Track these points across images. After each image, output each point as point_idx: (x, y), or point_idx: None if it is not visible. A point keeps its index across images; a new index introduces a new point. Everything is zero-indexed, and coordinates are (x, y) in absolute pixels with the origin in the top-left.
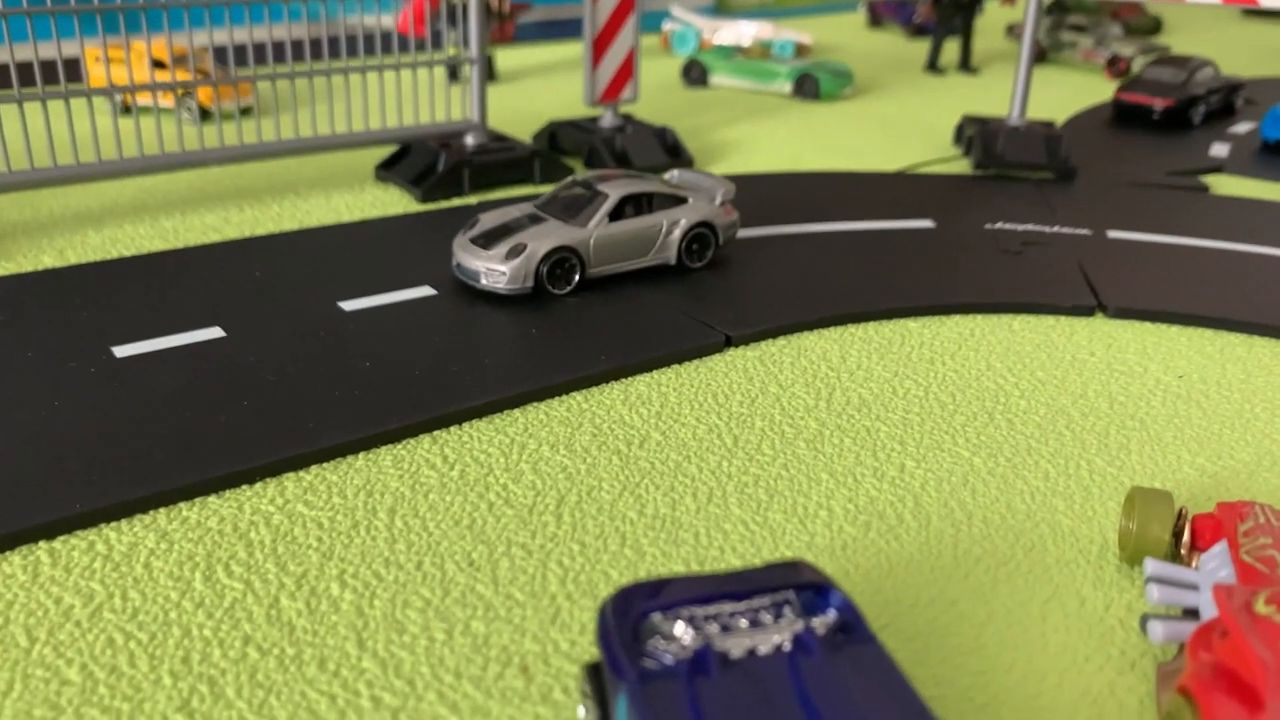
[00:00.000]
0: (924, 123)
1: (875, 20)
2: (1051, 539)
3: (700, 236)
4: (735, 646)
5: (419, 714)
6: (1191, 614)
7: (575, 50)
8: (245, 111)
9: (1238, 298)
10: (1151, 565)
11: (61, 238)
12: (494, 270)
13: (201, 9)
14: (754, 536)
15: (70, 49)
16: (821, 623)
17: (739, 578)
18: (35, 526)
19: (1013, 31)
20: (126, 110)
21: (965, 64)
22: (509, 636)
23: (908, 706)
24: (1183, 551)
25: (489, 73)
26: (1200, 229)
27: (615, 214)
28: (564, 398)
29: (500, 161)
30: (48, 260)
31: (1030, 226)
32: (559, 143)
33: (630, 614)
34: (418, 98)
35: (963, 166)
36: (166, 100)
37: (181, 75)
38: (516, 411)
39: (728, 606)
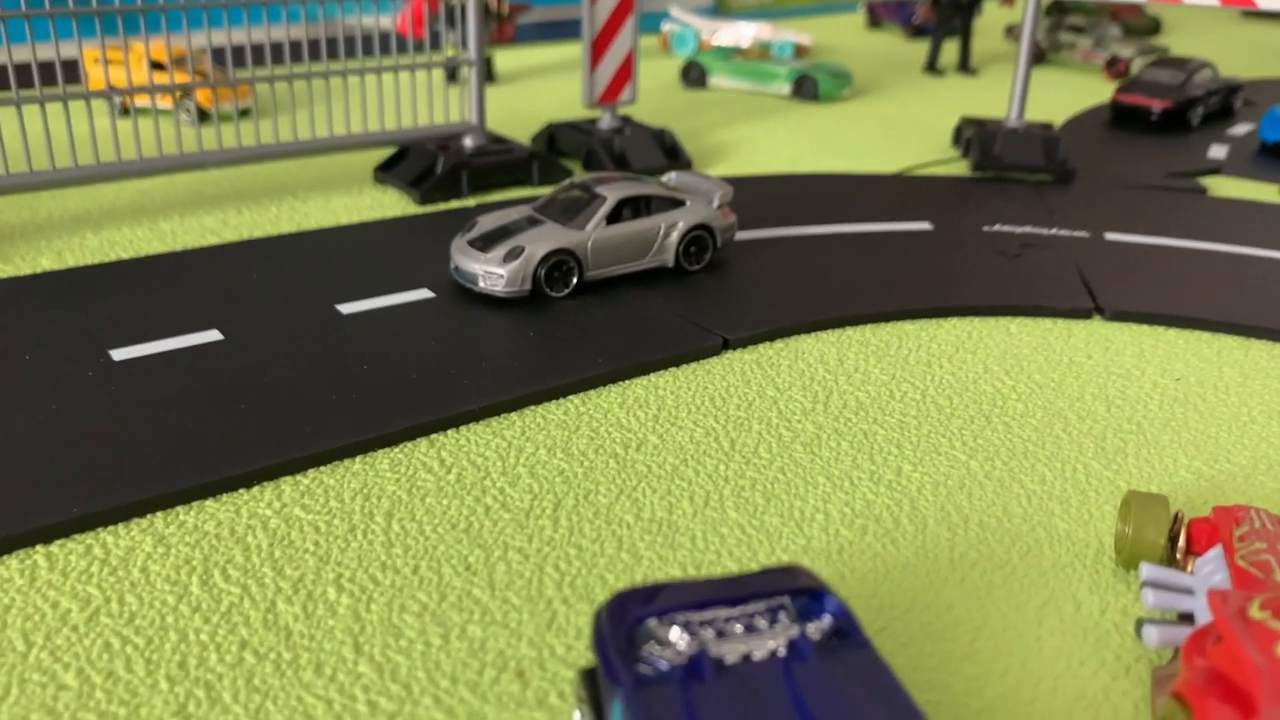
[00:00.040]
0: (923, 124)
1: (874, 21)
2: (1047, 543)
3: (698, 239)
4: (730, 652)
5: (415, 719)
6: (1187, 619)
7: (574, 51)
8: (244, 113)
9: (1235, 300)
10: (1147, 570)
11: (59, 240)
12: (492, 273)
13: (199, 10)
14: (751, 540)
15: (68, 50)
16: (816, 628)
17: (734, 583)
18: (32, 530)
19: (1011, 32)
20: (125, 112)
21: (964, 65)
22: (505, 641)
23: (902, 712)
24: (1178, 556)
25: (488, 74)
26: (1198, 231)
27: (613, 216)
28: (561, 400)
29: (499, 163)
30: (46, 263)
31: (1028, 229)
32: (557, 144)
33: (625, 619)
34: (416, 100)
35: (961, 168)
36: (165, 102)
37: (180, 77)
38: (514, 414)
39: (723, 612)
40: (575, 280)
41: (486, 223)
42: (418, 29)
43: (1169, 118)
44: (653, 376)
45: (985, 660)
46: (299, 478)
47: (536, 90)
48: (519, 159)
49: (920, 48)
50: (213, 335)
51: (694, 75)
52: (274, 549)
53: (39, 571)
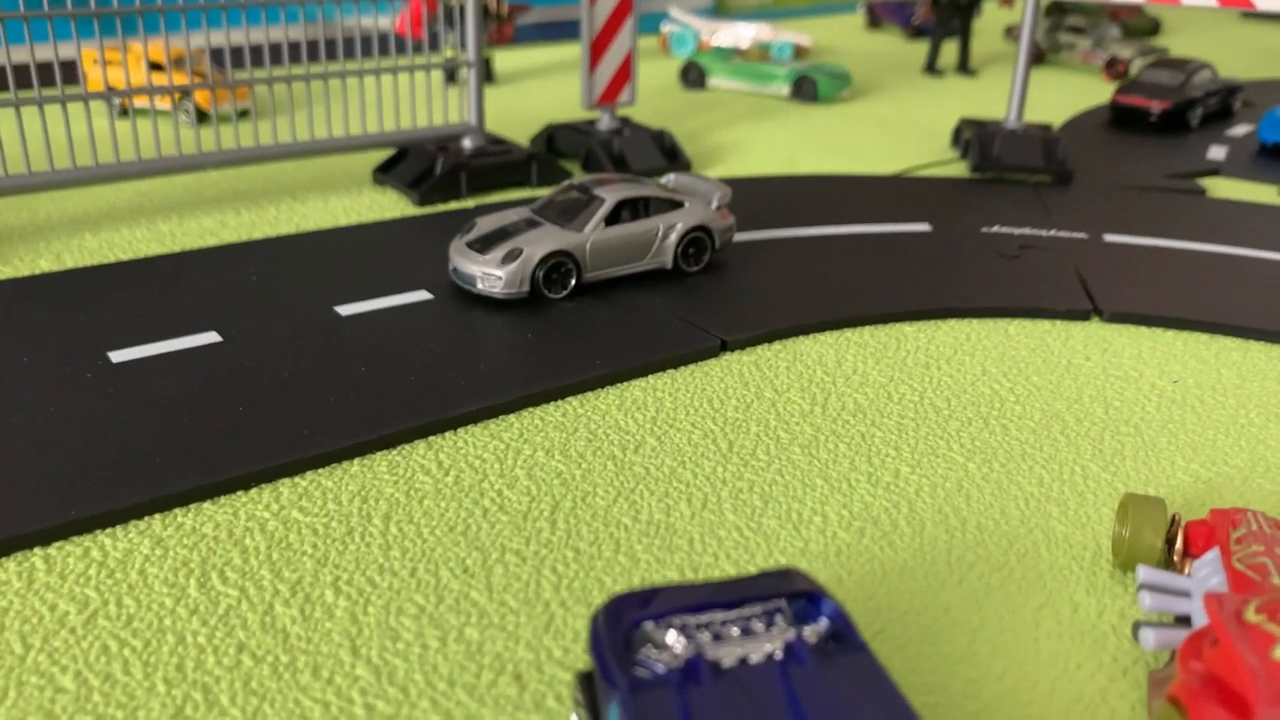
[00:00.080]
0: (922, 125)
1: (874, 22)
2: (1045, 545)
3: (696, 240)
4: (727, 655)
5: None
6: (1183, 621)
7: (573, 52)
8: (242, 115)
9: (1234, 302)
10: (1144, 572)
11: (58, 241)
12: (490, 274)
13: (198, 12)
14: (748, 542)
15: (67, 51)
16: (813, 631)
17: (731, 586)
18: (30, 533)
19: (1011, 33)
20: (124, 113)
21: (963, 66)
22: (503, 644)
23: (899, 714)
24: (1175, 558)
25: (487, 75)
26: (1197, 233)
27: (611, 218)
28: (560, 403)
29: (497, 164)
30: (44, 264)
31: (1027, 230)
32: (556, 145)
33: (622, 622)
34: (415, 101)
35: (960, 169)
36: (164, 103)
37: (179, 78)
38: (512, 416)
39: (720, 615)
40: (574, 282)
41: (485, 224)
42: (416, 30)
43: (1168, 119)
44: (651, 378)
45: (982, 662)
46: (297, 480)
47: (535, 91)
48: (518, 160)
49: (919, 49)
50: (211, 337)
51: (693, 76)
52: (272, 551)
53: (37, 574)
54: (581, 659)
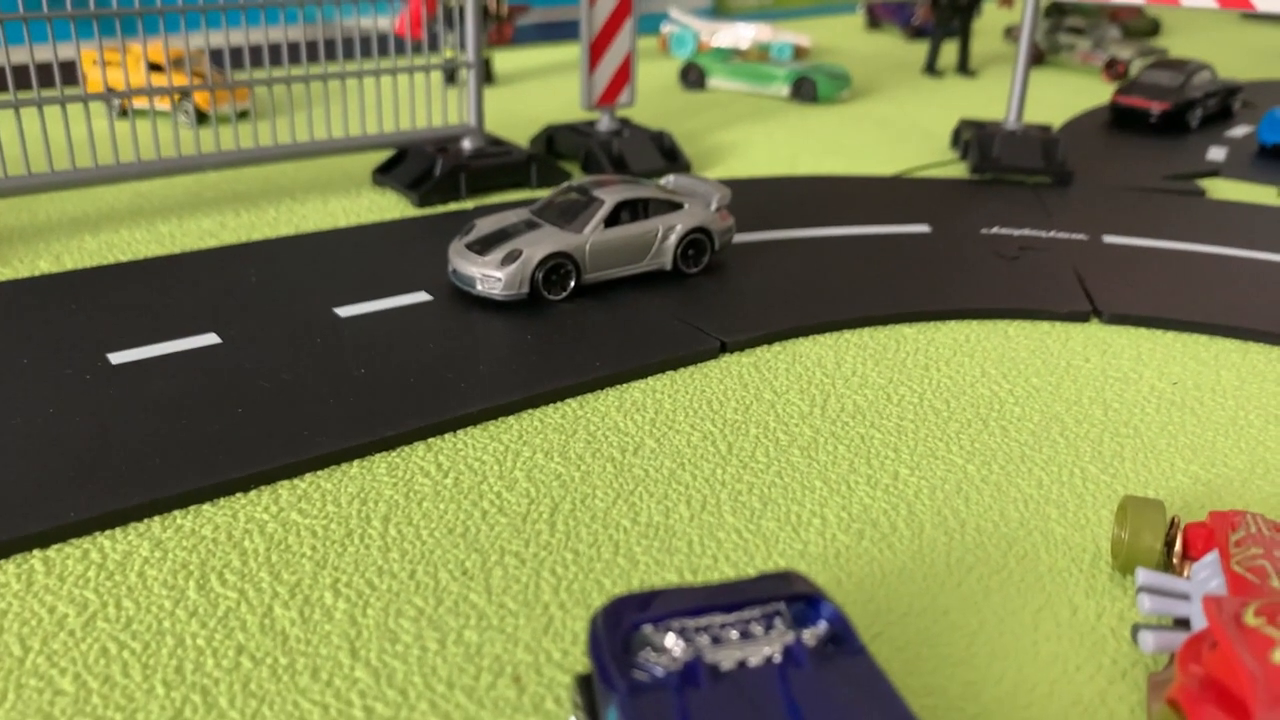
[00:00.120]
0: (921, 126)
1: (874, 22)
2: (1044, 547)
3: (696, 242)
4: (726, 658)
5: None
6: (1183, 624)
7: (573, 53)
8: (242, 115)
9: (1233, 303)
10: (1143, 575)
11: (58, 243)
12: (490, 276)
13: (198, 13)
14: (747, 545)
15: (66, 52)
16: (812, 634)
17: (730, 589)
18: (29, 535)
19: (1010, 34)
20: (123, 114)
21: (963, 66)
22: (502, 646)
23: (897, 718)
24: (1174, 561)
25: (486, 76)
26: (1197, 234)
27: (611, 220)
28: (559, 404)
29: (497, 166)
30: (44, 265)
31: (1026, 231)
32: (556, 147)
33: (621, 625)
34: (414, 102)
35: (960, 170)
36: (163, 104)
37: (178, 79)
38: (511, 418)
39: (718, 618)
40: (573, 283)
41: (484, 225)
42: (416, 31)
43: (1168, 120)
44: (650, 380)
45: (981, 665)
46: (296, 482)
47: (535, 92)
48: (517, 161)
49: (919, 49)
50: (210, 338)
51: (693, 77)
52: (271, 553)
53: (35, 576)
54: (580, 662)
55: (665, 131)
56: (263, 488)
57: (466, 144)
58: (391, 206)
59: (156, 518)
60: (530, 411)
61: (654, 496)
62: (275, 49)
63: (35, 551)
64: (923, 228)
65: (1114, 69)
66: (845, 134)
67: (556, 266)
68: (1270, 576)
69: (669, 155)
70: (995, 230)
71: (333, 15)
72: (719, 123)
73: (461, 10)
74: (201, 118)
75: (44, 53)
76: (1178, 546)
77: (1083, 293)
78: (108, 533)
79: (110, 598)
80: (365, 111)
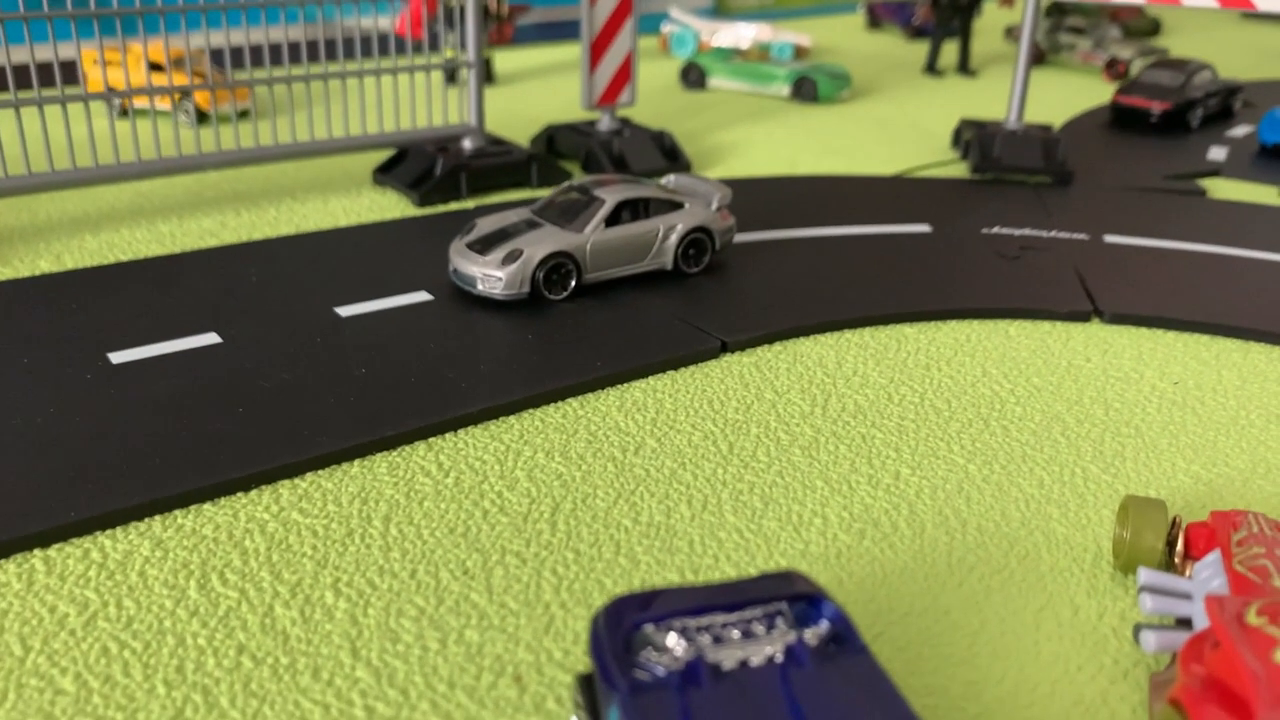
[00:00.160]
0: (922, 125)
1: (874, 22)
2: (1045, 547)
3: (697, 241)
4: (727, 658)
5: None
6: (1185, 623)
7: (573, 52)
8: (242, 115)
9: (1234, 303)
10: (1145, 574)
11: (58, 242)
12: (490, 276)
13: (198, 12)
14: (749, 544)
15: (67, 52)
16: (813, 634)
17: (731, 588)
18: (30, 534)
19: (1011, 34)
20: (123, 114)
21: (964, 66)
22: (503, 645)
23: (899, 718)
24: (1176, 560)
25: (487, 75)
26: (1198, 233)
27: (612, 219)
28: (560, 404)
29: (497, 165)
30: (44, 265)
31: (1027, 231)
32: (556, 146)
33: (622, 625)
34: (415, 101)
35: (960, 170)
36: (164, 104)
37: (179, 79)
38: (512, 418)
39: (720, 618)
40: (574, 283)
41: (485, 225)
42: (416, 30)
43: (1168, 119)
44: (651, 379)
45: (983, 665)
46: (297, 481)
47: (535, 92)
48: (518, 161)
49: (920, 49)
50: (211, 338)
51: (693, 76)
52: (271, 553)
53: (36, 576)
54: (582, 661)
55: (666, 131)
56: (263, 487)
57: (467, 143)
58: (392, 206)
59: (157, 517)
60: (531, 411)
61: (655, 496)
62: (276, 48)
63: (36, 551)
64: (923, 227)
65: (1115, 69)
66: (846, 134)
67: (557, 266)
68: (1272, 576)
69: (669, 155)
70: (996, 230)
71: (333, 15)
72: (719, 122)
73: (462, 10)
74: (202, 117)
75: (44, 52)
76: (1179, 546)
77: (1084, 292)
78: (108, 532)
79: (111, 597)
80: (366, 111)
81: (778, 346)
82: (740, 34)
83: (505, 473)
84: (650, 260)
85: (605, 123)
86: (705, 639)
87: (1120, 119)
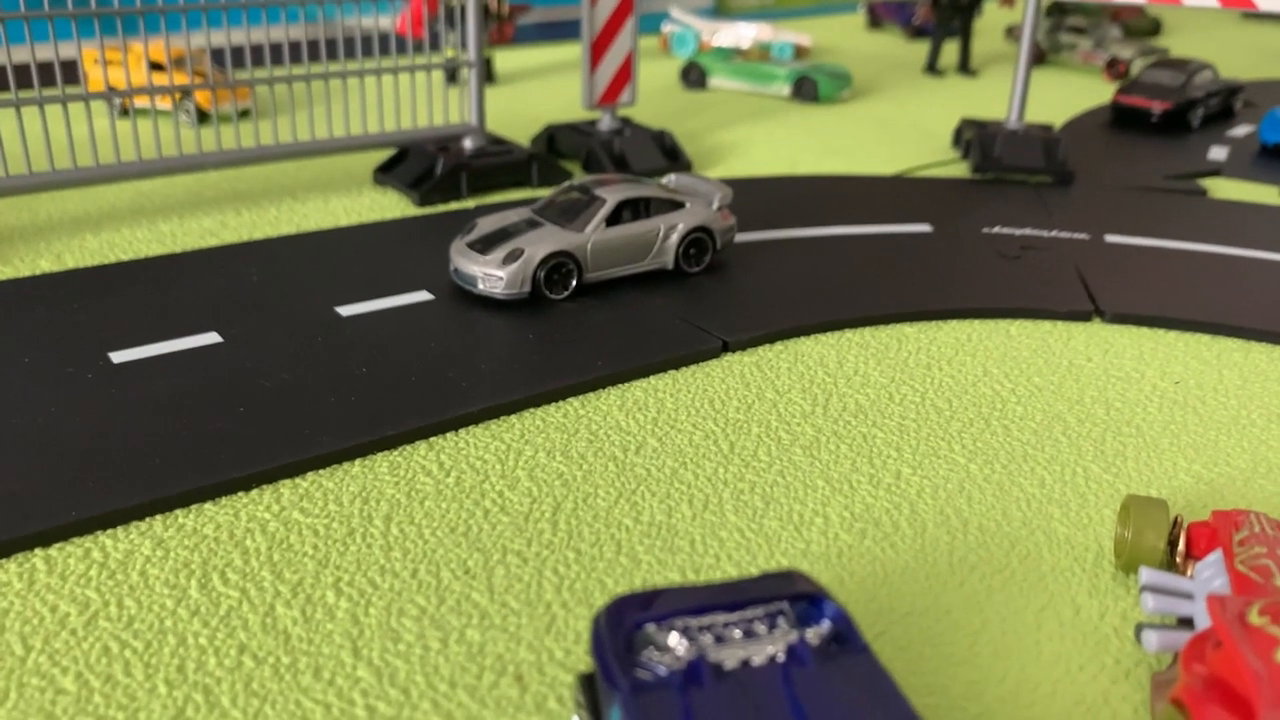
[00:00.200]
0: (922, 125)
1: (875, 22)
2: (1047, 547)
3: (698, 241)
4: (729, 657)
5: None
6: (1186, 623)
7: (574, 52)
8: (243, 115)
9: (1235, 303)
10: (1146, 574)
11: (59, 242)
12: (491, 275)
13: (199, 11)
14: (750, 544)
15: (68, 51)
16: (815, 633)
17: (733, 588)
18: (31, 534)
19: (1012, 33)
20: (124, 113)
21: (964, 66)
22: (504, 645)
23: (900, 716)
24: (1178, 560)
25: (487, 75)
26: (1198, 233)
27: (613, 219)
28: (561, 403)
29: (498, 165)
30: (45, 264)
31: (1028, 230)
32: (557, 146)
33: (624, 624)
34: (415, 101)
35: (961, 170)
36: (164, 103)
37: (179, 78)
38: (513, 417)
39: (722, 617)
40: (575, 282)
41: (486, 225)
42: (417, 30)
43: (1169, 119)
44: (652, 379)
45: (984, 664)
46: (298, 481)
47: (536, 91)
48: (519, 160)
49: (920, 49)
50: (212, 337)
51: (694, 76)
52: (273, 552)
53: (37, 575)
54: (583, 661)
55: (666, 131)
56: (264, 487)
57: (468, 143)
58: (393, 205)
59: (158, 516)
60: (532, 410)
61: (656, 495)
62: (276, 48)
63: (37, 550)
64: (924, 227)
65: (1115, 68)
66: (846, 133)
67: (558, 265)
68: (1274, 575)
69: (670, 154)
70: (997, 230)
71: (334, 14)
72: (720, 122)
73: (463, 9)
74: (203, 117)
75: (45, 52)
76: (1181, 546)
77: (1085, 292)
78: (109, 531)
79: (112, 597)
80: (366, 110)
81: (779, 346)
82: (741, 34)
83: (506, 472)
84: (651, 260)
85: (606, 122)
86: (707, 638)
87: (1121, 119)
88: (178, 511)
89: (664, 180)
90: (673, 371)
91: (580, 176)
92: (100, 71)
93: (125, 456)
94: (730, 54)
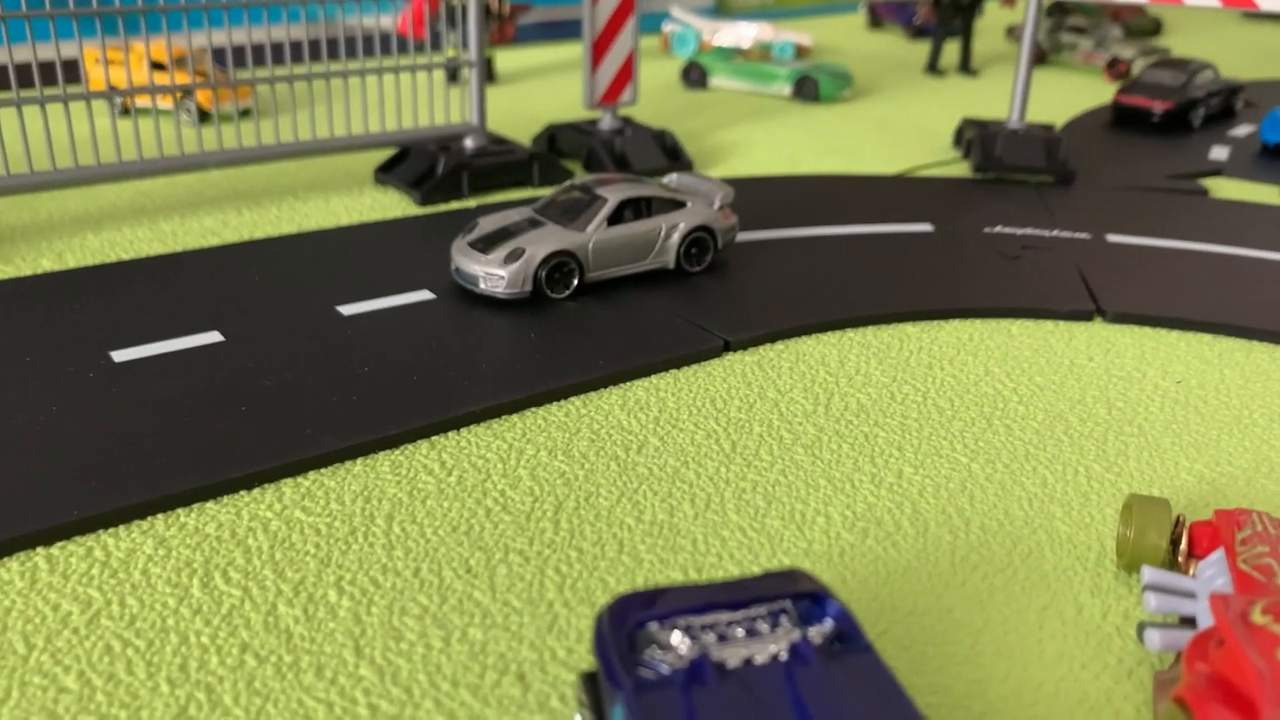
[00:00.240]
0: (923, 125)
1: (875, 22)
2: (1049, 546)
3: (699, 240)
4: (732, 656)
5: None
6: (1189, 622)
7: (575, 52)
8: (244, 114)
9: (1237, 302)
10: (1149, 573)
11: (60, 241)
12: (493, 274)
13: (200, 11)
14: (752, 543)
15: (69, 51)
16: (818, 632)
17: (736, 587)
18: (33, 533)
19: (1013, 33)
20: (125, 112)
21: (965, 66)
22: (506, 644)
23: (903, 715)
24: (1180, 559)
25: (488, 74)
26: (1200, 233)
27: (614, 218)
28: (562, 403)
29: (499, 164)
30: (46, 264)
31: (1029, 230)
32: (558, 145)
33: (626, 623)
34: (416, 100)
35: (962, 169)
36: (165, 103)
37: (180, 77)
38: (514, 417)
39: (724, 616)
40: (576, 282)
41: (487, 224)
42: (418, 29)
43: (1170, 119)
44: (654, 378)
45: (986, 663)
46: (300, 480)
47: (537, 91)
48: (520, 160)
49: (921, 49)
50: (213, 336)
51: (695, 76)
52: (275, 551)
53: (39, 574)
54: (585, 659)
55: (667, 130)
56: (266, 486)
57: (469, 142)
58: (394, 205)
59: (160, 515)
60: (534, 410)
61: (658, 495)
62: (277, 47)
63: (39, 549)
64: (925, 227)
65: (1116, 68)
66: (847, 133)
67: (559, 265)
68: (1277, 574)
69: (671, 154)
70: (998, 229)
71: (335, 14)
72: (721, 122)
73: (464, 9)
74: (204, 116)
75: (47, 51)
76: (1183, 545)
77: (1086, 292)
78: (111, 530)
79: (114, 595)
80: (367, 110)
81: (780, 345)
82: (741, 33)
83: (508, 471)
84: (652, 259)
85: (607, 122)
86: (710, 637)
87: (1122, 118)
88: (179, 510)
89: (665, 180)
90: (674, 371)
91: (581, 176)
92: (101, 71)
93: (127, 455)
94: (731, 54)
